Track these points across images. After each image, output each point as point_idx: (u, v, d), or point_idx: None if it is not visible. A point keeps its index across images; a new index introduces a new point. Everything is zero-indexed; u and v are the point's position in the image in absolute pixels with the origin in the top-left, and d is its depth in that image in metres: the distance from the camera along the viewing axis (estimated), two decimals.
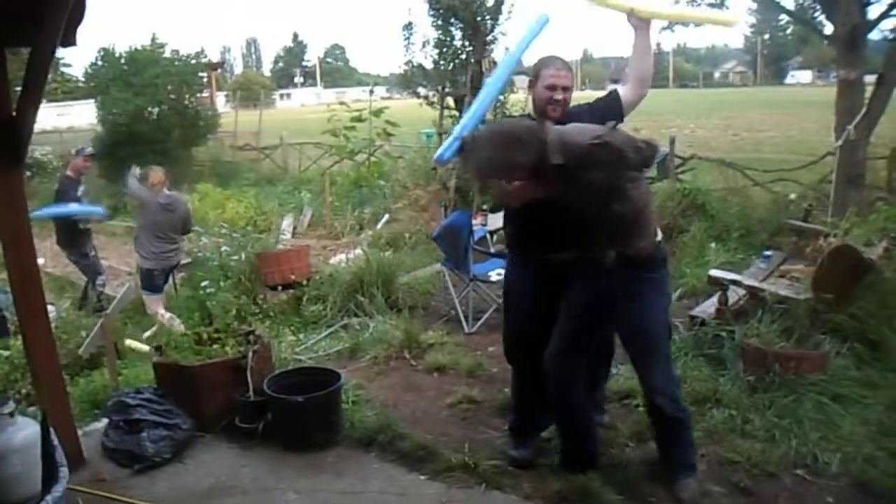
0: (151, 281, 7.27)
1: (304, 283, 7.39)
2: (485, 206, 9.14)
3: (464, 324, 6.67)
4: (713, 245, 8.28)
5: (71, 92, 36.09)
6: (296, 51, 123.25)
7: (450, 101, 11.11)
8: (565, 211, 3.31)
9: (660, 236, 3.69)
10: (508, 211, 4.01)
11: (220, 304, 6.11)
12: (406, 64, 11.32)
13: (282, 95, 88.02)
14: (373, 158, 13.80)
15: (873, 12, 9.24)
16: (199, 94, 19.51)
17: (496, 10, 10.72)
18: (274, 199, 13.80)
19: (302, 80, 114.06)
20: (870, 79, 9.03)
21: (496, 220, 8.28)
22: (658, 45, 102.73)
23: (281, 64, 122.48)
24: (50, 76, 26.40)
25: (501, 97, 10.74)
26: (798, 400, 4.45)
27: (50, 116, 31.12)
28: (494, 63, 10.71)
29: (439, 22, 10.92)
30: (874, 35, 9.78)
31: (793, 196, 9.44)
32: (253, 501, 3.92)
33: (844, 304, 5.23)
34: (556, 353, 3.76)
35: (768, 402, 4.49)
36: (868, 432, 4.21)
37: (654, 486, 3.80)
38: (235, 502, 3.91)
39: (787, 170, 10.96)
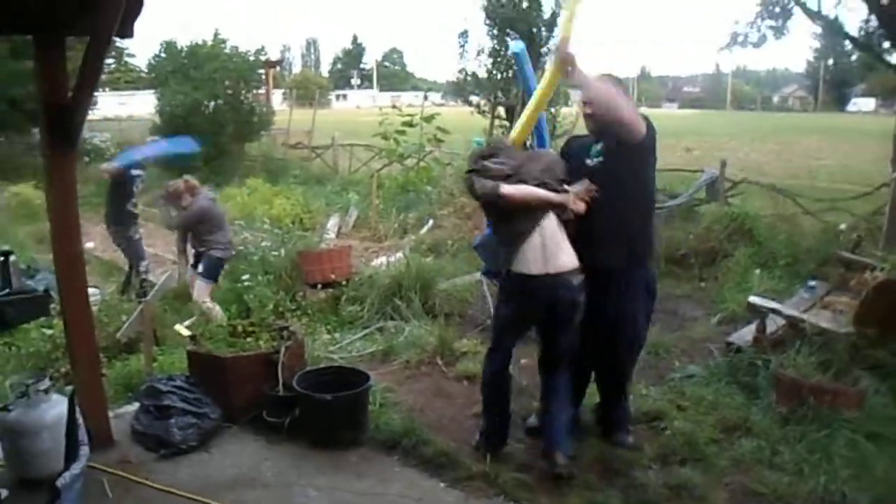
0: (217, 270, 7.36)
1: (344, 283, 7.45)
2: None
3: None
4: (757, 271, 8.15)
5: (133, 82, 36.87)
6: (354, 53, 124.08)
7: (501, 110, 11.11)
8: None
9: None
10: None
11: (257, 298, 6.17)
12: (460, 72, 11.37)
13: (338, 96, 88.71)
14: (422, 164, 13.85)
15: None
16: (255, 91, 19.76)
17: (552, 23, 10.71)
18: (322, 198, 13.92)
19: (359, 82, 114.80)
20: None
21: None
22: (717, 66, 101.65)
23: (339, 65, 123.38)
24: (114, 65, 26.99)
25: (553, 109, 10.75)
26: (831, 435, 4.35)
27: (112, 104, 31.79)
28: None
29: (495, 32, 10.94)
30: None
31: (843, 226, 9.25)
32: (273, 495, 3.96)
33: (887, 340, 5.12)
34: None
35: (800, 434, 4.40)
36: None
37: None
38: (256, 495, 3.96)
39: (841, 199, 10.75)
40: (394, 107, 13.97)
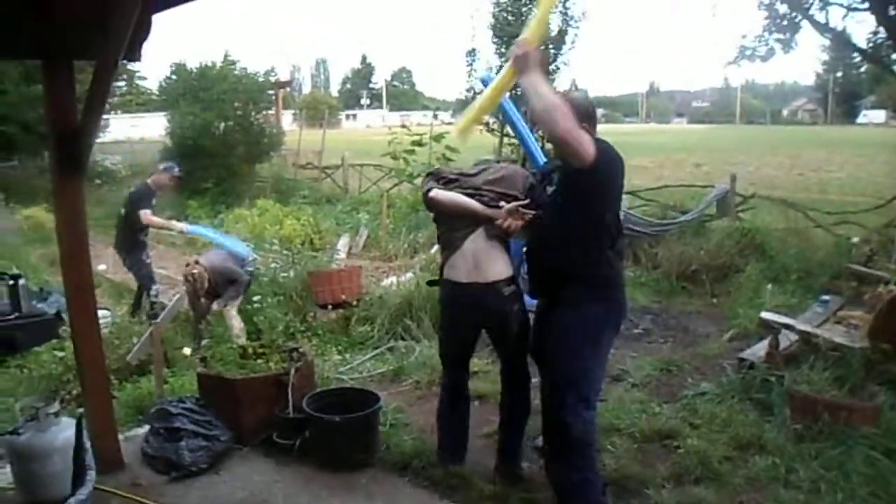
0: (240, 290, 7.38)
1: (354, 303, 7.44)
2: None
3: None
4: (769, 286, 8.11)
5: (145, 104, 37.17)
6: (364, 73, 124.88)
7: (510, 129, 11.09)
8: None
9: None
10: None
11: (267, 320, 6.17)
12: (468, 90, 11.37)
13: (348, 116, 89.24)
14: None
15: None
16: (265, 112, 19.87)
17: (560, 40, 10.72)
18: (332, 218, 13.93)
19: (368, 101, 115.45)
20: None
21: None
22: (726, 80, 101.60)
23: (349, 85, 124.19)
24: (125, 88, 27.18)
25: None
26: (847, 452, 4.29)
27: (123, 127, 32.03)
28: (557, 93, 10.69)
29: (502, 49, 10.96)
30: None
31: (855, 240, 9.20)
32: None
33: None
34: None
35: (815, 452, 4.34)
36: None
37: None
38: None
39: (853, 212, 10.69)
40: (403, 126, 14.01)
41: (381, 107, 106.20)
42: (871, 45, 13.08)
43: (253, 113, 18.83)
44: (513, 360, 4.24)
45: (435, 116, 15.50)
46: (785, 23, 13.09)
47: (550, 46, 10.58)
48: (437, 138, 13.12)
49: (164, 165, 8.96)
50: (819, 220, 10.45)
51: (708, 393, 5.44)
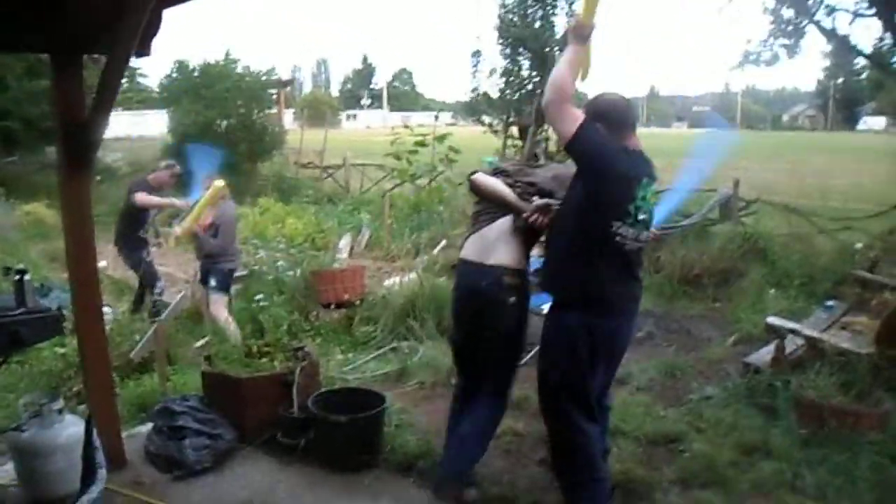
0: (228, 281, 7.26)
1: (358, 303, 7.40)
2: (542, 238, 9.04)
3: None
4: (772, 291, 8.10)
5: (144, 101, 37.04)
6: (364, 73, 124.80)
7: (514, 130, 11.10)
8: None
9: None
10: None
11: (272, 319, 6.14)
12: (472, 91, 11.35)
13: (348, 116, 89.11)
14: (434, 184, 13.83)
15: None
16: (267, 111, 19.84)
17: (564, 42, 10.69)
18: (333, 217, 13.89)
19: (369, 102, 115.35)
20: None
21: None
22: (727, 85, 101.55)
23: (349, 85, 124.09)
24: (126, 84, 27.07)
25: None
26: (854, 458, 4.26)
27: (123, 124, 31.97)
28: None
29: (507, 51, 10.94)
30: None
31: (859, 246, 9.17)
32: None
33: None
34: None
35: (821, 457, 4.31)
36: None
37: None
38: None
39: (855, 218, 10.66)
40: (406, 126, 13.99)
41: (381, 107, 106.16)
42: (876, 49, 13.07)
43: (255, 111, 18.80)
44: (491, 364, 4.10)
45: (436, 118, 15.51)
46: (790, 28, 13.09)
47: (556, 48, 10.56)
48: (441, 139, 13.10)
49: (166, 163, 8.90)
50: (822, 225, 10.42)
51: (713, 397, 5.42)
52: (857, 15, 12.46)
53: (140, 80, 39.00)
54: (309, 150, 20.82)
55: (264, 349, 4.99)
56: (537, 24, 10.65)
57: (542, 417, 3.93)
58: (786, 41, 13.42)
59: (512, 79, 10.95)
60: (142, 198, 8.13)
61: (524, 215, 3.76)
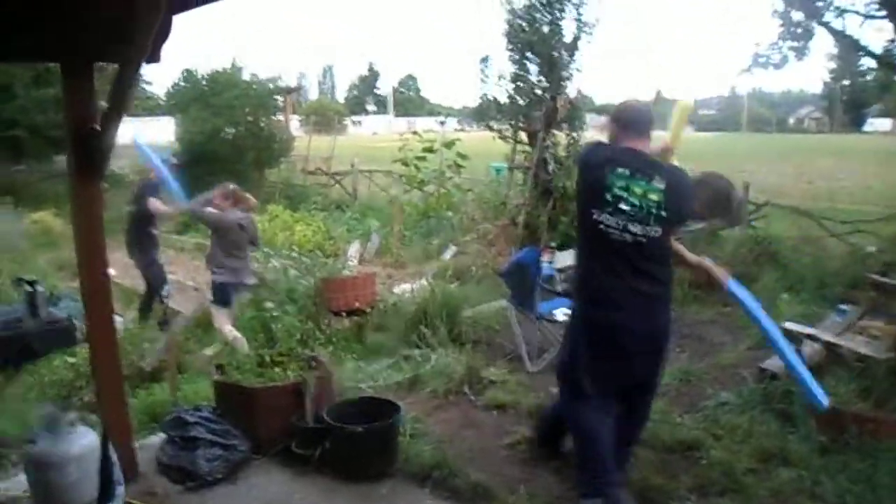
0: (223, 295, 7.17)
1: (369, 310, 7.36)
2: (552, 244, 9.00)
3: (527, 362, 6.55)
4: (784, 296, 8.01)
5: (151, 109, 37.09)
6: (370, 79, 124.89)
7: (523, 136, 11.03)
8: None
9: None
10: None
11: (284, 328, 6.10)
12: (481, 97, 11.26)
13: (354, 122, 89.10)
14: (442, 190, 13.79)
15: None
16: (274, 118, 19.83)
17: (573, 47, 10.62)
18: (342, 224, 13.85)
19: (374, 108, 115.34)
20: None
21: (564, 258, 8.16)
22: (733, 88, 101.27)
23: (355, 92, 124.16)
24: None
25: (575, 134, 10.68)
26: (874, 465, 4.19)
27: (129, 131, 31.95)
28: (570, 101, 10.62)
29: (516, 56, 10.87)
30: None
31: (871, 249, 9.10)
32: None
33: None
34: None
35: (841, 464, 4.25)
36: None
37: None
38: None
39: (865, 221, 10.58)
40: (414, 132, 13.95)
41: (386, 113, 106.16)
42: (886, 52, 12.98)
43: (263, 119, 18.79)
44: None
45: (442, 123, 15.49)
46: (799, 30, 13.02)
47: (564, 53, 10.49)
48: (449, 145, 13.06)
49: (163, 157, 9.05)
50: (832, 228, 10.35)
51: (729, 403, 5.34)
52: (867, 17, 12.38)
53: (145, 87, 39.06)
54: (316, 157, 20.79)
55: (277, 359, 4.94)
56: (546, 29, 10.55)
57: None
58: (794, 43, 13.35)
59: (521, 84, 10.84)
60: (155, 205, 8.30)
61: None
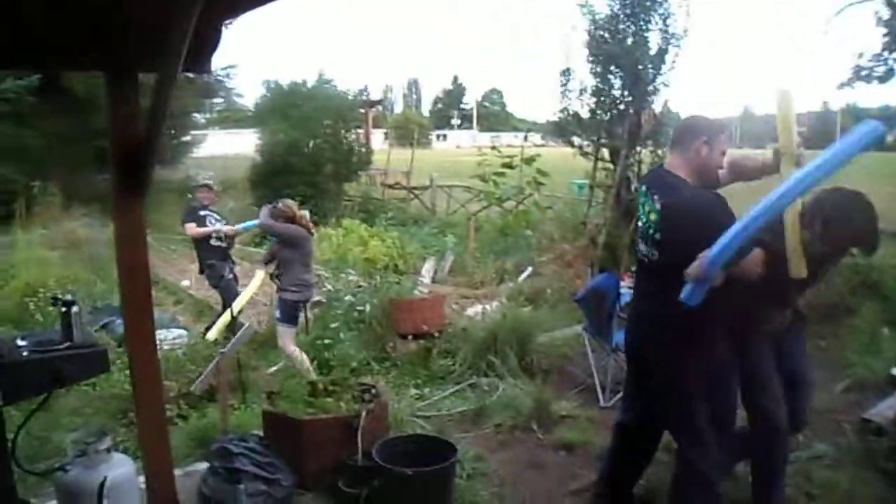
0: (294, 313, 6.88)
1: (437, 334, 7.04)
2: (633, 268, 8.49)
3: (600, 396, 6.15)
4: (885, 331, 7.36)
5: (241, 121, 37.81)
6: (455, 93, 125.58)
7: (605, 152, 10.56)
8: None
9: None
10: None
11: (339, 357, 5.84)
12: (561, 111, 10.82)
13: (438, 136, 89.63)
14: (521, 207, 13.42)
15: None
16: (355, 130, 19.79)
17: (659, 60, 10.11)
18: (418, 240, 13.59)
19: (459, 122, 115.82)
20: None
21: None
22: (825, 103, 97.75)
23: (440, 105, 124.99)
24: (224, 104, 27.60)
25: (660, 151, 10.18)
26: None
27: (220, 142, 32.64)
28: (655, 115, 10.13)
29: (598, 69, 10.42)
30: None
31: None
32: None
33: None
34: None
35: None
36: None
37: None
38: None
39: None
40: (493, 147, 13.64)
41: (471, 127, 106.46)
42: None
43: (343, 131, 18.76)
44: None
45: (526, 138, 15.13)
46: None
47: (649, 66, 10.01)
48: (528, 161, 12.68)
49: (202, 182, 9.09)
50: None
51: (825, 457, 4.82)
52: None
53: (236, 99, 39.83)
54: (396, 171, 20.69)
55: (331, 388, 4.65)
56: (629, 41, 10.08)
57: None
58: None
59: (603, 98, 10.38)
60: (189, 229, 8.41)
61: None
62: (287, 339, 6.68)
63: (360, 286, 8.58)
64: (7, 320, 7.89)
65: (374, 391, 4.64)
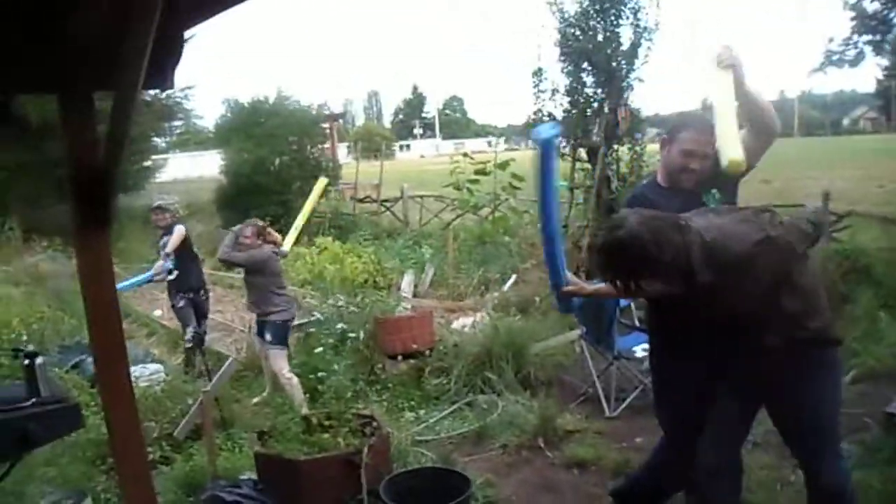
0: (285, 333, 6.60)
1: (427, 352, 6.70)
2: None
3: (605, 405, 5.87)
4: (882, 314, 7.16)
5: (203, 143, 37.27)
6: (415, 103, 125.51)
7: (582, 152, 10.32)
8: (719, 306, 2.91)
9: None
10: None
11: (333, 389, 5.50)
12: (535, 113, 10.57)
13: (401, 147, 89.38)
14: (497, 213, 13.14)
15: None
16: (320, 146, 19.40)
17: (632, 55, 9.90)
18: (394, 254, 13.22)
19: (421, 131, 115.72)
20: None
21: None
22: (782, 92, 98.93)
23: (401, 116, 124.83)
24: (182, 127, 27.11)
25: (638, 148, 9.97)
26: None
27: (181, 166, 32.14)
28: (631, 111, 9.92)
29: (570, 67, 10.19)
30: None
31: None
32: None
33: None
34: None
35: None
36: None
37: None
38: None
39: None
40: (465, 154, 13.36)
41: (434, 136, 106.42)
42: None
43: (308, 147, 18.36)
44: None
45: (490, 143, 14.93)
46: (874, 23, 12.01)
47: (622, 62, 9.79)
48: (503, 166, 12.40)
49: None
50: None
51: (850, 457, 4.54)
52: None
53: (196, 121, 39.27)
54: (365, 184, 20.32)
55: (326, 422, 4.31)
56: (600, 37, 9.85)
57: None
58: (871, 37, 12.34)
59: (576, 97, 10.15)
60: None
61: None
62: (282, 361, 6.34)
63: (340, 306, 8.22)
64: None
65: (374, 423, 4.30)
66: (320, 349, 6.49)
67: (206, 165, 29.21)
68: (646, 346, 6.18)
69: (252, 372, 7.21)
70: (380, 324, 6.99)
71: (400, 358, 6.70)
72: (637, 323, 6.63)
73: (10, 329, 7.91)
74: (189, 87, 22.27)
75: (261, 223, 6.87)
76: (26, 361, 3.00)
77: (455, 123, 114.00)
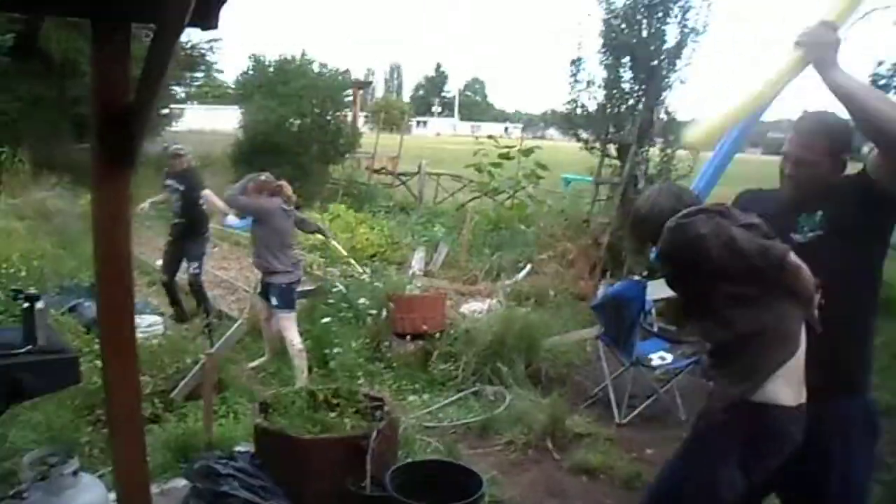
0: (292, 296, 6.30)
1: (437, 335, 6.47)
2: (644, 273, 7.95)
3: (615, 411, 5.64)
4: None
5: (221, 97, 36.90)
6: (437, 80, 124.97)
7: (611, 148, 10.06)
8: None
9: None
10: None
11: (346, 368, 5.28)
12: (569, 102, 10.30)
13: (418, 122, 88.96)
14: (514, 199, 12.89)
15: None
16: (342, 112, 19.14)
17: (675, 54, 9.61)
18: (407, 229, 12.99)
19: (440, 109, 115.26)
20: None
21: (658, 289, 7.15)
22: (805, 110, 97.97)
23: (421, 92, 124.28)
24: (203, 79, 26.69)
25: (669, 150, 9.73)
26: None
27: (198, 118, 31.85)
28: (668, 112, 9.66)
29: (609, 60, 9.92)
30: None
31: None
32: None
33: None
34: None
35: None
36: None
37: None
38: None
39: None
40: (489, 137, 13.14)
41: (451, 115, 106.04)
42: None
43: (330, 112, 18.10)
44: None
45: (506, 130, 14.70)
46: None
47: (664, 60, 9.50)
48: (527, 153, 12.15)
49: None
50: None
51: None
52: None
53: (216, 75, 38.92)
54: (382, 156, 20.06)
55: (333, 400, 4.08)
56: (644, 34, 9.56)
57: None
58: None
59: (613, 91, 9.87)
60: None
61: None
62: (290, 325, 6.09)
63: (350, 276, 8.01)
64: None
65: (385, 409, 4.07)
66: (327, 319, 6.25)
67: (222, 120, 28.95)
68: (663, 353, 5.99)
69: (250, 336, 6.98)
70: (392, 300, 6.76)
71: (408, 338, 6.48)
72: (655, 329, 6.42)
73: (9, 264, 7.66)
74: (216, 40, 22.01)
75: (263, 177, 6.56)
76: (26, 304, 2.77)
77: (475, 105, 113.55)
